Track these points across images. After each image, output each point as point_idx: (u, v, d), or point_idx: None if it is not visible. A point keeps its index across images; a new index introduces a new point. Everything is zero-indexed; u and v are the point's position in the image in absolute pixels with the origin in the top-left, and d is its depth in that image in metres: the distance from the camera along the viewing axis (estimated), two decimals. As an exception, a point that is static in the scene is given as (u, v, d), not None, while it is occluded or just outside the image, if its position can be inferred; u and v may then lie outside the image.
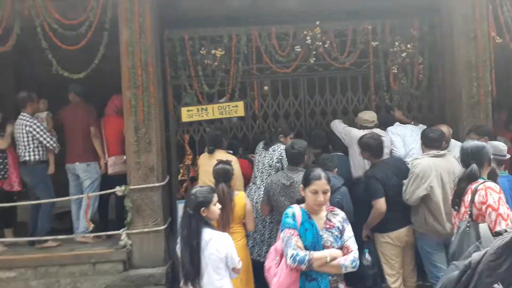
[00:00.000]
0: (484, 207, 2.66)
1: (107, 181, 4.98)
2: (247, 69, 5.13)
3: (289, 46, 5.10)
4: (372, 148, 3.88)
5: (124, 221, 4.57)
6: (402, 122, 4.93)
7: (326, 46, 5.08)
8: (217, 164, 3.81)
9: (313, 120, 5.25)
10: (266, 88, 5.42)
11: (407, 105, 5.29)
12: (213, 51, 4.97)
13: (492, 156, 2.98)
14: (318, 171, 2.59)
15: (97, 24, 4.48)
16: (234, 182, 3.86)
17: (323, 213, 2.62)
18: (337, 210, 2.71)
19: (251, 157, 4.75)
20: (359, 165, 4.42)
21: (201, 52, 4.97)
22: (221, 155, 4.30)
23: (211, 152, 4.39)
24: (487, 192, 2.68)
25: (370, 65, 5.18)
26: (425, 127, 4.91)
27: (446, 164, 3.70)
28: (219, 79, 5.06)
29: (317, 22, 5.01)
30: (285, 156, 4.02)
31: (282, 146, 4.26)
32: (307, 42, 5.03)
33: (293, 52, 5.10)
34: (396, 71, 5.14)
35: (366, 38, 5.13)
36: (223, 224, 3.42)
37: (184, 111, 4.96)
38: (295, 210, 2.61)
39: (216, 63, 4.99)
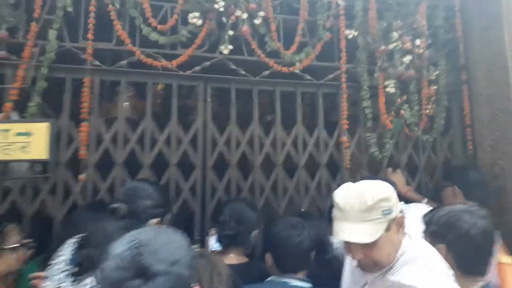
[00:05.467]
0: None
1: None
2: (67, 48, 2.14)
3: (179, 11, 2.28)
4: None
5: None
6: (407, 199, 2.29)
7: (256, 21, 2.36)
8: None
9: (221, 179, 2.31)
10: (125, 104, 2.42)
11: (406, 162, 2.68)
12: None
13: None
14: None
15: None
16: None
17: None
18: None
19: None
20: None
21: None
22: None
23: None
24: None
25: (341, 75, 2.54)
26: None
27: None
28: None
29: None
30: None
31: None
32: (216, 6, 2.26)
33: (184, 25, 2.29)
34: (393, 90, 2.55)
35: (336, 22, 2.55)
36: None
37: None
38: None
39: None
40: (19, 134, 1.98)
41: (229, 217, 1.83)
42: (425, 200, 2.39)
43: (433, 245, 1.46)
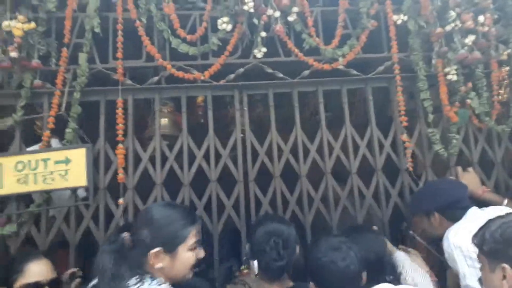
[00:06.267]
0: None
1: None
2: (98, 70, 2.10)
3: (207, 18, 2.15)
4: None
5: None
6: (483, 202, 1.97)
7: (290, 18, 2.17)
8: None
9: (265, 193, 2.13)
10: (164, 121, 2.37)
11: (479, 157, 2.32)
12: None
13: None
14: None
15: None
16: None
17: None
18: None
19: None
20: None
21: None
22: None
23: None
24: None
25: (393, 65, 2.26)
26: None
27: None
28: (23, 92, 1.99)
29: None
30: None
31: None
32: (245, 8, 2.10)
33: (213, 34, 2.15)
34: (455, 77, 2.22)
35: (382, 7, 2.28)
36: None
37: None
38: None
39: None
40: (58, 162, 1.97)
41: (274, 244, 1.58)
42: (505, 201, 2.04)
43: (494, 267, 1.18)
